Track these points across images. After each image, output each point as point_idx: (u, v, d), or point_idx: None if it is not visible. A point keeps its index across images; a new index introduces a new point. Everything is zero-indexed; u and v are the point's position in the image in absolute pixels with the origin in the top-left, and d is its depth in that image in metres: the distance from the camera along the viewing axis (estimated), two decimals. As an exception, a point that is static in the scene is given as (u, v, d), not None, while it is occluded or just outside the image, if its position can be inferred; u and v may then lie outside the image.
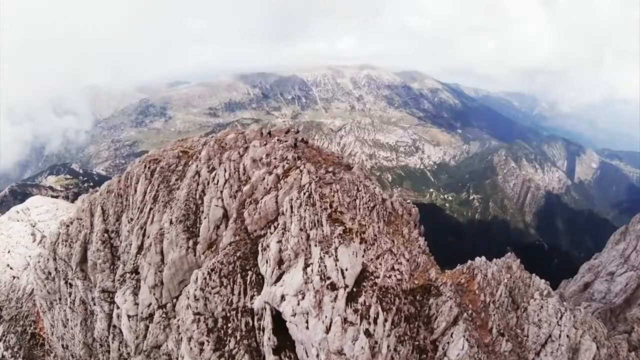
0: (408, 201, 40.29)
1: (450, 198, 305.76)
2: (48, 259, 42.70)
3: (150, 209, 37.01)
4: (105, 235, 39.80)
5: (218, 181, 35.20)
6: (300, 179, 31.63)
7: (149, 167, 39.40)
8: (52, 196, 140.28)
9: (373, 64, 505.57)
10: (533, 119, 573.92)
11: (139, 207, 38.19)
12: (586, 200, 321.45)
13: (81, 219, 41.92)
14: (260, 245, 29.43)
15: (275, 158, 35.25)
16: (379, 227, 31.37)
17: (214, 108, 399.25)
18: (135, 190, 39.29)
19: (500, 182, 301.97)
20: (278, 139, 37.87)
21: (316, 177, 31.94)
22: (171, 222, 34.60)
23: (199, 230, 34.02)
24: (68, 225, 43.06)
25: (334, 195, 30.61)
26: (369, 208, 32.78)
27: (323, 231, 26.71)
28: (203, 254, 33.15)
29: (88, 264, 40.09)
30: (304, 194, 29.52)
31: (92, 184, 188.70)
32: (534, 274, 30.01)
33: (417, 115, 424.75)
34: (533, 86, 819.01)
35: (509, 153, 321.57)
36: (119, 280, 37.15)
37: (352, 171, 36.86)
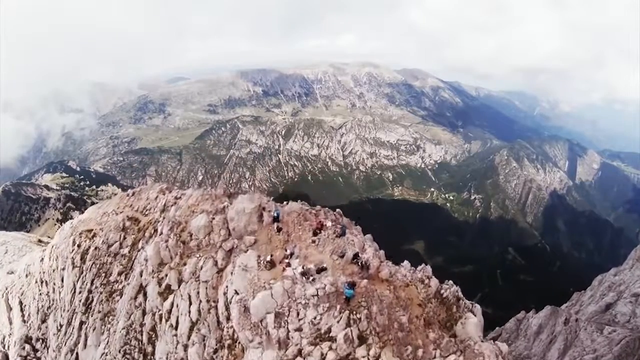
0: None
1: (451, 198, 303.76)
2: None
3: (82, 323, 24.49)
4: (27, 346, 27.51)
5: (177, 322, 20.63)
6: None
7: (79, 245, 26.45)
8: (45, 197, 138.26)
9: (374, 62, 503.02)
10: (534, 119, 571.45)
11: (68, 310, 25.88)
12: (587, 201, 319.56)
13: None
14: None
15: (300, 330, 17.17)
16: None
17: (213, 105, 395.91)
18: (63, 280, 26.61)
19: (502, 182, 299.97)
20: (304, 272, 19.05)
21: None
22: None
23: None
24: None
25: None
26: None
27: None
28: None
29: (10, 384, 27.73)
30: None
31: (88, 182, 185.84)
32: None
33: (419, 114, 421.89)
34: (534, 85, 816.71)
35: (511, 153, 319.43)
36: (49, 416, 25.38)
37: None
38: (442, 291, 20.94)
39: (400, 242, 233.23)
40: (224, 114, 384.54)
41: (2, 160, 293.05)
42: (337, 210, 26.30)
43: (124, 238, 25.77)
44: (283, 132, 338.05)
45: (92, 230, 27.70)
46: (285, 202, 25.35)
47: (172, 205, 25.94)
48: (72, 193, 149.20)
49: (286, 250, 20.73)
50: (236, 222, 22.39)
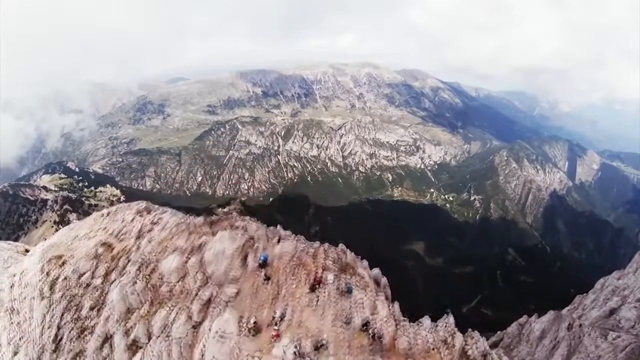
0: None
1: (451, 198, 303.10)
2: None
3: (51, 362, 21.92)
4: (-4, 384, 24.99)
5: None
6: None
7: (48, 273, 24.12)
8: (43, 199, 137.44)
9: (374, 62, 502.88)
10: (534, 119, 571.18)
11: (37, 345, 23.45)
12: (587, 201, 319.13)
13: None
14: None
15: None
16: None
17: (212, 105, 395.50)
18: (32, 311, 24.12)
19: (502, 183, 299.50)
20: (298, 354, 15.80)
21: None
22: None
23: None
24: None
25: None
26: None
27: None
28: None
29: None
30: None
31: (86, 183, 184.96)
32: None
33: (418, 114, 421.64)
34: (534, 86, 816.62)
35: (511, 153, 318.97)
36: None
37: None
38: (467, 348, 17.81)
39: (401, 243, 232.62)
40: (223, 114, 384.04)
41: (1, 160, 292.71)
42: (340, 246, 22.43)
43: (97, 267, 22.84)
44: (282, 133, 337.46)
45: (62, 256, 24.86)
46: (276, 240, 20.88)
47: (148, 232, 22.49)
48: (71, 194, 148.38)
49: (275, 312, 16.90)
50: (214, 266, 18.86)
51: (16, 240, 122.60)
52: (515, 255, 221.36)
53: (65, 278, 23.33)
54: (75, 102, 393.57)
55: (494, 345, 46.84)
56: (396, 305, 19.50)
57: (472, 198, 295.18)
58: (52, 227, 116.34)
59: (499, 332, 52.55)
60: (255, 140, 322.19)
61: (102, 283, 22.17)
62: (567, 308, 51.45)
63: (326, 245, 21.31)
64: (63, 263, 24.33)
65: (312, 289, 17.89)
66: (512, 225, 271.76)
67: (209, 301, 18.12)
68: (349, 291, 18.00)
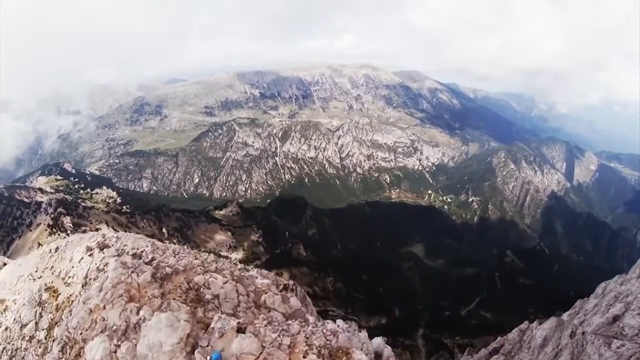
0: None
1: (449, 200, 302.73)
2: None
3: None
4: None
5: None
6: None
7: None
8: (37, 201, 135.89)
9: (372, 63, 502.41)
10: (532, 120, 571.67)
11: None
12: (585, 202, 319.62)
13: None
14: None
15: None
16: None
17: (210, 107, 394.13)
18: None
19: (500, 184, 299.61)
20: None
21: None
22: None
23: None
24: None
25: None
26: None
27: None
28: None
29: None
30: None
31: (83, 185, 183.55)
32: None
33: (416, 116, 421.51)
34: (532, 87, 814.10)
35: (508, 155, 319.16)
36: None
37: None
38: None
39: (399, 245, 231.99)
40: (221, 116, 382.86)
41: (1, 160, 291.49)
42: (330, 325, 14.77)
43: (41, 316, 18.78)
44: (280, 135, 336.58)
45: (4, 301, 21.67)
46: (235, 325, 13.48)
47: (94, 279, 17.16)
48: (66, 196, 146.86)
49: None
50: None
51: (10, 243, 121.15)
52: (514, 257, 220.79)
53: (7, 328, 19.66)
54: (73, 103, 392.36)
55: (494, 352, 45.91)
56: None
57: (470, 199, 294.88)
58: (46, 230, 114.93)
59: (499, 337, 51.74)
60: (253, 142, 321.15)
61: (45, 338, 17.81)
62: (567, 313, 50.51)
63: (309, 328, 14.18)
64: (5, 309, 20.95)
65: None
66: (510, 227, 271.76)
67: None
68: None
